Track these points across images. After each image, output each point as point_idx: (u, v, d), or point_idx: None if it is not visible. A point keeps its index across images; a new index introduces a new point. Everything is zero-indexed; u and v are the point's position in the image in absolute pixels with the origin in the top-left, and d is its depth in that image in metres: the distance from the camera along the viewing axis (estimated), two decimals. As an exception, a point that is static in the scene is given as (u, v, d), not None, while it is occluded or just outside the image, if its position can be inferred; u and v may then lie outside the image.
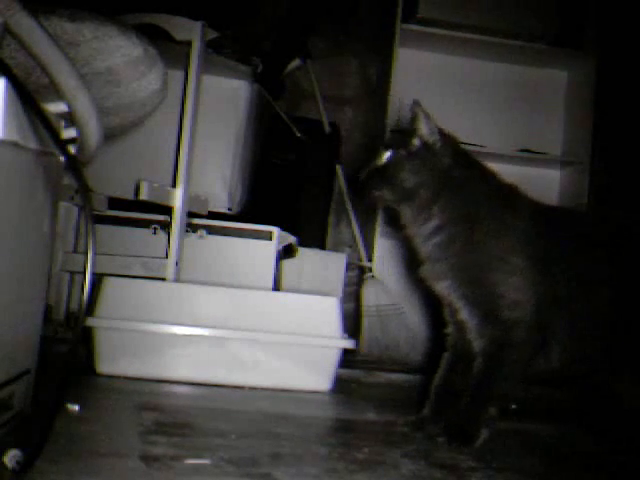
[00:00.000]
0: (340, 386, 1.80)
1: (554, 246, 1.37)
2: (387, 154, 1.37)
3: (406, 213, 1.38)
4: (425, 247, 1.37)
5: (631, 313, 1.35)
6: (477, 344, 1.33)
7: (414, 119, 1.35)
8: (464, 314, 1.35)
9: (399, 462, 1.15)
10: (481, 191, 1.36)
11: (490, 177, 1.41)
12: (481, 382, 1.32)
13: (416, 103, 1.35)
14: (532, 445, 1.43)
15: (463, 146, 1.43)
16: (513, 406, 1.71)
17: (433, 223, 1.35)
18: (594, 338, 1.36)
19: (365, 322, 2.57)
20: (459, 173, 1.36)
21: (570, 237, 1.40)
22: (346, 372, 1.98)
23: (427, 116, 1.35)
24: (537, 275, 1.32)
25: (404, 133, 1.39)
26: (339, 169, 2.78)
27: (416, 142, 1.35)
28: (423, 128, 1.35)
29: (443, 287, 1.36)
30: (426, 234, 1.36)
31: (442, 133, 1.37)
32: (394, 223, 1.44)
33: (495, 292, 1.31)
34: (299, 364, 1.73)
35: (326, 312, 1.77)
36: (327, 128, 2.79)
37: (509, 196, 1.40)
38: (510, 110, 3.05)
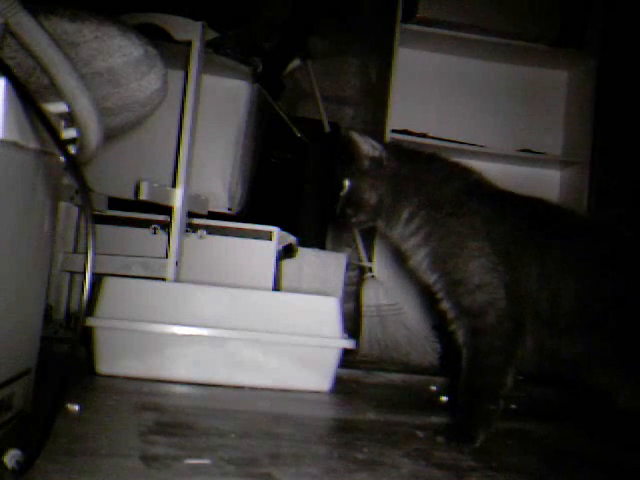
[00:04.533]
0: (340, 386, 1.80)
1: (523, 234, 1.35)
2: (347, 183, 1.46)
3: (383, 225, 1.46)
4: (405, 244, 1.43)
5: (610, 307, 1.30)
6: (459, 335, 1.34)
7: (353, 144, 1.44)
8: (444, 304, 1.37)
9: (399, 462, 1.15)
10: (432, 178, 1.42)
11: (443, 162, 1.47)
12: (469, 376, 1.31)
13: (346, 130, 1.44)
14: (531, 445, 1.42)
15: (412, 145, 1.52)
16: (513, 406, 1.71)
17: (402, 220, 1.42)
18: (569, 331, 1.31)
19: (365, 322, 2.57)
20: (407, 170, 1.43)
21: (543, 225, 1.38)
22: (346, 372, 1.98)
23: (362, 135, 1.44)
24: (504, 261, 1.31)
25: (353, 160, 1.47)
26: (339, 169, 2.78)
27: (365, 161, 1.44)
28: (364, 147, 1.44)
29: (425, 277, 1.40)
30: (401, 233, 1.43)
31: (383, 143, 1.46)
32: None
33: (455, 278, 1.33)
34: (299, 364, 1.73)
35: (326, 312, 1.77)
36: (327, 128, 2.79)
37: (465, 179, 1.43)
38: (510, 110, 3.05)
